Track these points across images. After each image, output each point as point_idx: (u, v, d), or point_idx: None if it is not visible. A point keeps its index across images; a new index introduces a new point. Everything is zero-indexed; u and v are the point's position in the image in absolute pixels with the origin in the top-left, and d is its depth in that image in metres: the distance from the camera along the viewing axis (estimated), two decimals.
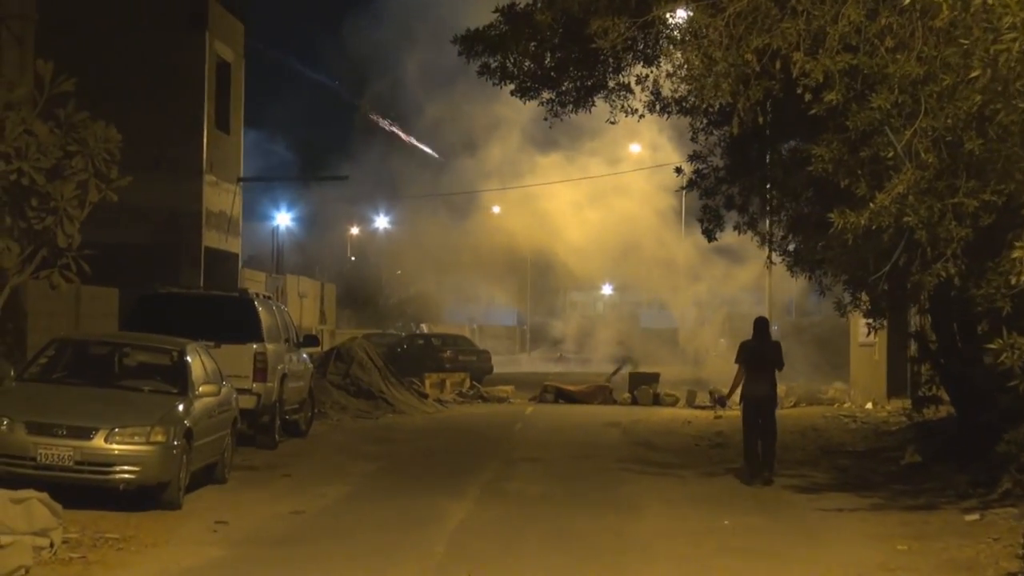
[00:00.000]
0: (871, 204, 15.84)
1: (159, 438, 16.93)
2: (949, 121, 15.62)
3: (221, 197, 38.43)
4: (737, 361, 21.94)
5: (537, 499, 19.54)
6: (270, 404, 24.94)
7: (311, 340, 29.47)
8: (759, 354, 21.80)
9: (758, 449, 21.60)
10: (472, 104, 79.44)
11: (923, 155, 15.73)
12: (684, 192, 26.77)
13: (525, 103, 24.81)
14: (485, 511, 18.13)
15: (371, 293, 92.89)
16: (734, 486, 21.52)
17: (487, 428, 32.60)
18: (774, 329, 22.93)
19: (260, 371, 24.62)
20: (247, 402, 23.93)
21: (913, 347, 26.97)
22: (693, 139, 25.19)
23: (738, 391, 22.04)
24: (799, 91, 16.07)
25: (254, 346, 24.66)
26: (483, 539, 15.90)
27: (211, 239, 37.43)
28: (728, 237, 28.58)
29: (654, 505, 19.27)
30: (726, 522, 17.43)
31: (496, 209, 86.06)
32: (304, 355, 28.95)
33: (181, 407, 17.81)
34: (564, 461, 25.02)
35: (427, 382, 43.10)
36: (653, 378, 46.14)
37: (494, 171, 76.48)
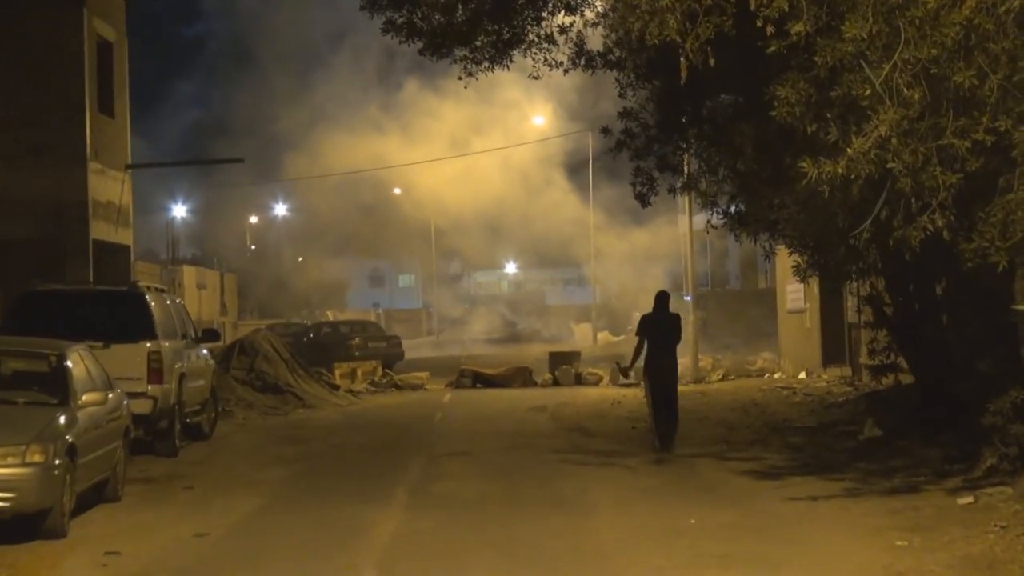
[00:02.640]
0: (848, 150, 13.82)
1: (37, 458, 14.51)
2: (933, 51, 13.62)
3: (108, 186, 35.76)
4: (637, 333, 22.48)
5: (473, 502, 17.33)
6: (168, 407, 22.60)
7: (211, 334, 27.07)
8: (660, 326, 22.05)
9: (662, 417, 21.89)
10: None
11: (905, 91, 13.73)
12: (613, 155, 24.36)
13: (435, 62, 22.63)
14: (417, 521, 15.86)
15: (273, 282, 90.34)
16: (687, 475, 19.51)
17: (406, 420, 30.43)
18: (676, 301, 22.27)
19: (155, 372, 22.28)
20: (142, 406, 21.70)
21: (865, 311, 24.96)
22: (621, 95, 23.01)
23: (640, 362, 22.26)
24: (759, 24, 14.01)
25: (147, 344, 22.33)
26: (421, 558, 13.63)
27: (99, 231, 34.75)
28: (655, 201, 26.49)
29: (606, 503, 17.12)
30: (692, 521, 15.27)
31: (397, 190, 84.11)
32: (204, 351, 26.64)
33: (62, 420, 15.40)
34: (495, 454, 22.87)
35: (337, 372, 40.98)
36: (574, 357, 44.23)
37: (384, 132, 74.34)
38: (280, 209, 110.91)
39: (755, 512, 15.92)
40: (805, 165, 13.90)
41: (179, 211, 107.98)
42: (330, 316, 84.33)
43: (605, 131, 23.88)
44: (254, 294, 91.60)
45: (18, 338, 18.31)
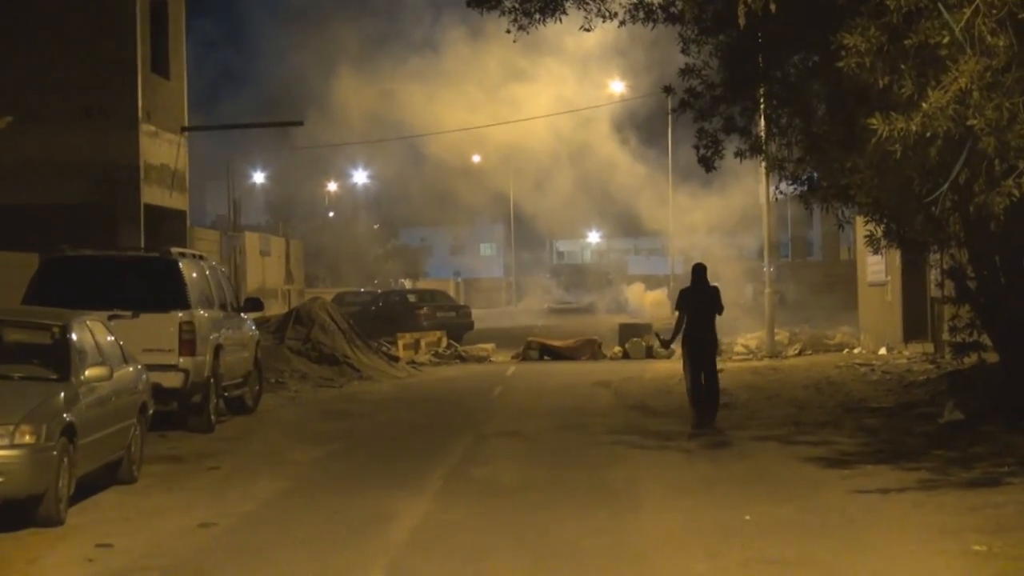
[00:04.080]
0: (923, 105, 12.31)
1: (27, 439, 13.27)
2: None
3: (162, 149, 34.71)
4: (676, 308, 22.19)
5: (512, 489, 15.97)
6: (202, 380, 21.37)
7: (253, 303, 25.81)
8: (698, 300, 21.68)
9: (703, 394, 21.59)
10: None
11: (988, 39, 12.20)
12: (675, 116, 22.85)
13: (483, 15, 21.19)
14: (446, 511, 14.51)
15: (347, 250, 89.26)
16: (747, 462, 18.06)
17: (462, 394, 29.16)
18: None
19: (188, 343, 21.06)
20: (173, 380, 20.64)
21: (946, 285, 23.31)
22: (684, 51, 21.49)
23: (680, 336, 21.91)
24: None
25: (179, 314, 21.11)
26: (437, 557, 12.24)
27: (151, 195, 33.69)
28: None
29: (655, 493, 15.68)
30: (747, 517, 13.80)
31: (477, 158, 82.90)
32: (249, 321, 25.43)
33: (61, 397, 14.13)
34: (546, 434, 21.52)
35: (400, 343, 39.73)
36: (645, 329, 42.72)
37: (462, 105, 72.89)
38: (360, 176, 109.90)
39: (817, 507, 14.43)
40: (875, 122, 12.42)
41: (258, 178, 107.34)
42: (407, 284, 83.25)
43: (667, 90, 22.40)
44: (327, 262, 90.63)
45: (23, 307, 17.14)
